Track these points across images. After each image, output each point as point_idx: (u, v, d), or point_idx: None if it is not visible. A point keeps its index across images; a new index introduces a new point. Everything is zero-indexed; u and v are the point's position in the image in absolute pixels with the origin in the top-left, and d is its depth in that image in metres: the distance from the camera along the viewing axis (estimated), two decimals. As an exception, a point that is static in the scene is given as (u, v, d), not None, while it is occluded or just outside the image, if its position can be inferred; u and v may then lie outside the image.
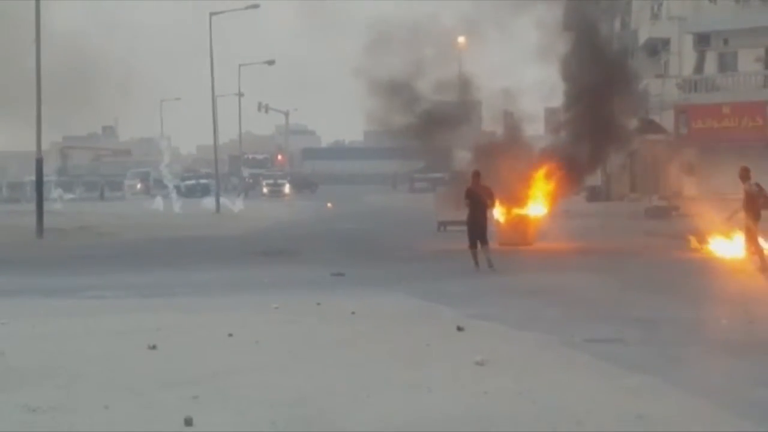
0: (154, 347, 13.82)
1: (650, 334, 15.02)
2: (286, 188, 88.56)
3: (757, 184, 24.35)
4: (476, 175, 25.74)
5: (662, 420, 10.14)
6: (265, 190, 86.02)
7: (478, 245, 24.99)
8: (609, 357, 13.14)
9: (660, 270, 24.60)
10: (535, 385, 11.48)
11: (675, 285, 21.62)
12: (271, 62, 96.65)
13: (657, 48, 59.60)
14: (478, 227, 25.08)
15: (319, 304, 18.33)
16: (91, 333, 15.38)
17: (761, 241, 24.03)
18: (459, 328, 15.25)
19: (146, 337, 14.40)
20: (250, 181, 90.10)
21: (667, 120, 54.43)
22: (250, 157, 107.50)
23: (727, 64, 53.88)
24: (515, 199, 33.30)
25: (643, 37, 59.36)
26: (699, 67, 54.29)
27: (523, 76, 36.21)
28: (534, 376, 12.02)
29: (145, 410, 10.49)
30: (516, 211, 33.11)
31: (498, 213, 33.52)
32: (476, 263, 24.81)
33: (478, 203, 25.12)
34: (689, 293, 19.91)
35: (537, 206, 33.73)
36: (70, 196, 70.95)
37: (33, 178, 43.84)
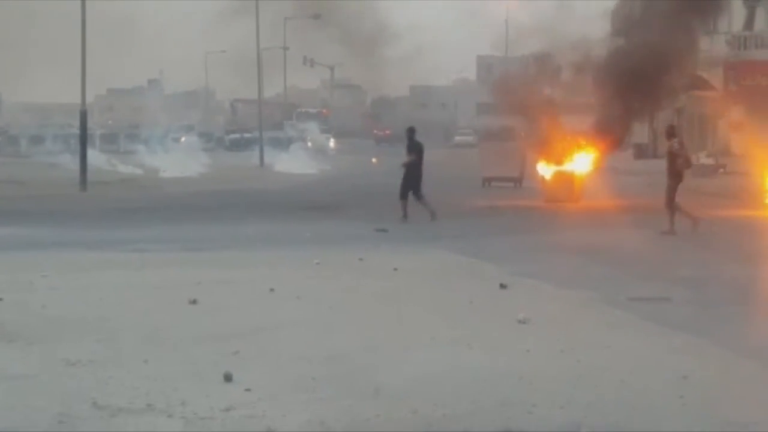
0: (194, 302, 13.78)
1: (697, 293, 14.84)
2: (331, 143, 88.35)
3: (680, 143, 24.41)
4: (411, 131, 27.16)
5: (707, 380, 10.00)
6: (309, 144, 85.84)
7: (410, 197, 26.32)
8: (654, 316, 12.99)
9: (707, 228, 24.29)
10: (578, 344, 11.34)
11: (723, 244, 21.38)
12: (317, 16, 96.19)
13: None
14: (413, 180, 26.34)
15: (361, 259, 18.24)
16: (131, 287, 15.36)
17: (677, 201, 23.72)
18: (502, 286, 15.11)
19: (187, 292, 14.35)
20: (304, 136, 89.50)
21: (715, 77, 53.76)
22: (303, 110, 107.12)
23: (778, 20, 53.14)
24: (560, 155, 33.06)
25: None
26: (749, 24, 53.56)
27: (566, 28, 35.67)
28: (577, 335, 11.88)
29: (185, 365, 10.44)
30: (561, 167, 32.85)
31: (543, 169, 33.35)
32: (405, 215, 26.06)
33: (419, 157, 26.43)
34: (737, 252, 19.68)
35: (582, 163, 33.43)
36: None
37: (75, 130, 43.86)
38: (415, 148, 26.74)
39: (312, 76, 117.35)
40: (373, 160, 64.43)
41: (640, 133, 63.93)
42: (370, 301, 14.17)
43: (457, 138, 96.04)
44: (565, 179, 32.67)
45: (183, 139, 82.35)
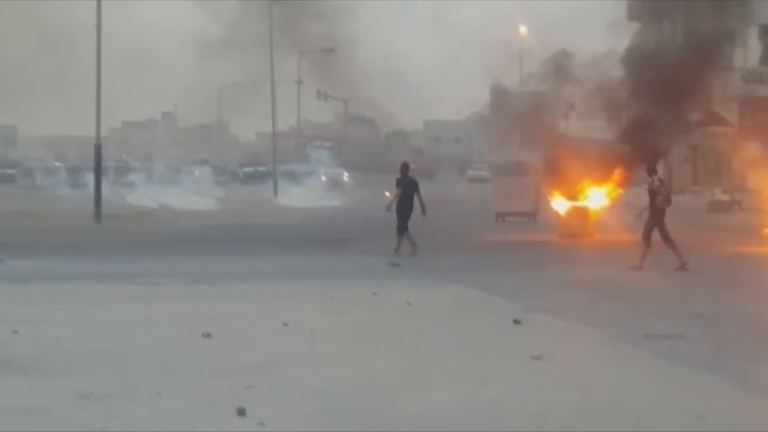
0: (208, 335, 13.76)
1: (711, 330, 14.78)
2: (345, 176, 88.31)
3: (660, 179, 24.41)
4: (405, 166, 27.86)
5: (722, 419, 9.95)
6: (323, 177, 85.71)
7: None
8: (668, 353, 12.93)
9: (721, 265, 24.26)
10: (592, 381, 11.31)
11: (737, 280, 21.31)
12: (330, 50, 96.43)
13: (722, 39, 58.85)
14: (404, 215, 26.72)
15: (375, 294, 18.22)
16: (145, 319, 15.37)
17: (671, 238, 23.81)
18: (516, 321, 15.08)
19: (201, 325, 14.34)
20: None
21: (731, 112, 53.72)
22: (318, 144, 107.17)
23: (793, 56, 53.16)
24: (574, 190, 33.05)
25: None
26: (764, 59, 53.58)
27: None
28: (591, 372, 11.84)
29: (198, 399, 10.43)
30: (575, 202, 32.83)
31: (557, 204, 33.33)
32: (412, 246, 26.32)
33: (407, 190, 26.93)
34: (751, 288, 19.62)
35: (597, 198, 33.41)
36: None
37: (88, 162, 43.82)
38: (404, 184, 27.25)
39: (325, 109, 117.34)
40: (387, 193, 64.46)
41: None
42: (383, 336, 14.14)
43: (471, 172, 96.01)
44: (579, 214, 32.64)
45: (197, 172, 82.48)
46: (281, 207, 53.67)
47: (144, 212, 46.32)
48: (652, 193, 24.05)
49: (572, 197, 33.04)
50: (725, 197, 46.96)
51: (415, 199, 27.02)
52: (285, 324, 14.79)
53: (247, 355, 12.73)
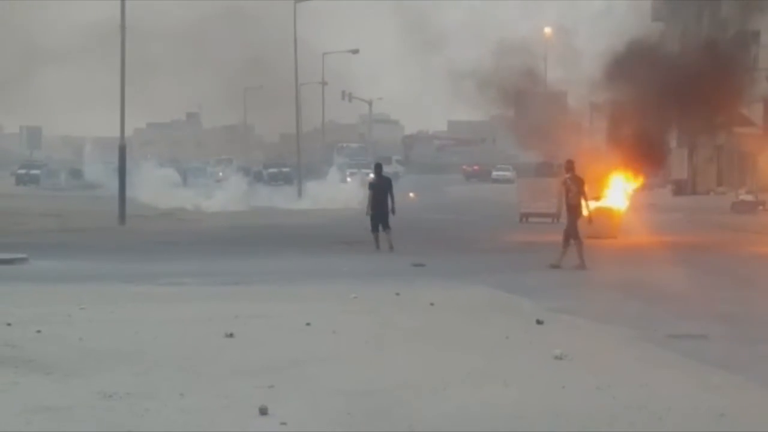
0: (231, 335, 13.79)
1: (735, 330, 14.72)
2: (370, 177, 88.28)
3: (572, 178, 24.38)
4: (379, 167, 29.36)
5: (745, 419, 9.91)
6: (348, 178, 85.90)
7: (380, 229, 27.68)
8: (692, 353, 12.89)
9: (745, 265, 24.18)
10: (615, 381, 11.27)
11: (760, 280, 21.23)
12: (355, 51, 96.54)
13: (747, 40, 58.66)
14: (381, 213, 27.66)
15: (398, 294, 18.22)
16: (168, 320, 15.41)
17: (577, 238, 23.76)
18: (539, 322, 15.05)
19: (223, 325, 14.37)
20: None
21: (756, 113, 53.51)
22: (345, 146, 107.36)
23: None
24: (600, 191, 32.99)
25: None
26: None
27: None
28: (614, 372, 11.81)
29: (221, 398, 10.45)
30: (600, 203, 32.75)
31: (583, 205, 33.26)
32: (377, 246, 27.48)
33: (381, 192, 27.80)
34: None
35: (621, 198, 33.35)
36: None
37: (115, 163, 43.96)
38: (377, 184, 28.33)
39: (350, 110, 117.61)
40: (411, 195, 64.46)
41: (680, 169, 63.76)
42: (406, 337, 14.14)
43: (495, 173, 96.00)
44: (603, 215, 32.55)
45: (221, 173, 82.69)
46: (305, 207, 53.74)
47: (169, 213, 46.45)
48: (565, 191, 24.27)
49: (596, 198, 32.97)
50: (749, 198, 46.78)
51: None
52: (308, 324, 14.81)
53: (270, 355, 12.75)
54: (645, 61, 34.45)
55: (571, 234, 23.76)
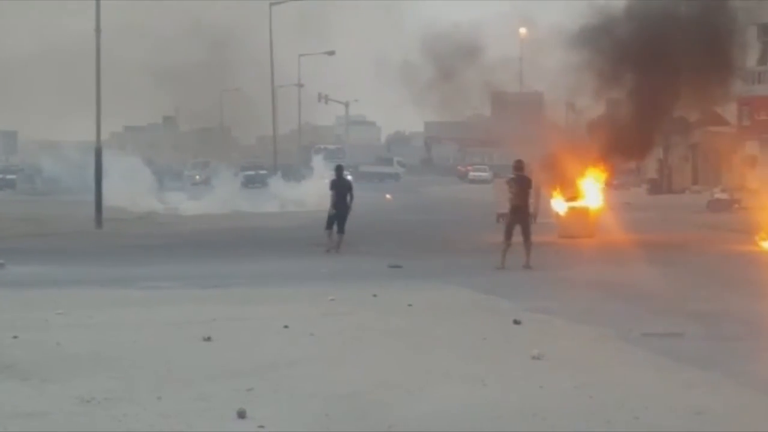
0: (208, 339, 13.82)
1: (710, 328, 14.82)
2: (349, 178, 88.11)
3: (511, 180, 24.61)
4: (340, 168, 29.84)
5: (721, 416, 9.99)
6: (326, 180, 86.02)
7: (335, 228, 28.13)
8: (667, 351, 12.98)
9: (720, 263, 24.30)
10: (592, 380, 11.35)
11: (735, 278, 21.34)
12: (331, 53, 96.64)
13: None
14: (339, 214, 28.11)
15: (375, 296, 18.25)
16: (146, 324, 15.41)
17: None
18: (516, 322, 15.13)
19: (201, 329, 14.40)
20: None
21: (729, 112, 53.82)
22: (323, 147, 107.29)
23: (791, 55, 53.18)
24: (575, 190, 33.11)
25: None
26: (763, 59, 53.60)
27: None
28: (590, 371, 11.88)
29: (199, 402, 10.47)
30: (575, 203, 32.87)
31: (557, 204, 33.36)
32: (330, 248, 27.72)
33: (342, 193, 28.30)
34: (749, 287, 19.64)
35: (596, 197, 33.44)
36: None
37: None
38: (338, 185, 28.82)
39: (327, 112, 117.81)
40: (388, 196, 64.51)
41: (654, 168, 64.01)
42: (384, 338, 14.18)
43: (472, 174, 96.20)
44: (579, 214, 32.67)
45: (198, 176, 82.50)
46: (282, 210, 53.66)
47: (146, 216, 46.33)
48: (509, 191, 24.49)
49: (572, 197, 33.08)
50: (724, 196, 46.98)
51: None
52: (285, 327, 14.84)
53: (248, 358, 12.77)
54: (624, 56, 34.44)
55: (505, 233, 23.85)
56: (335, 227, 28.19)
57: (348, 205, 28.44)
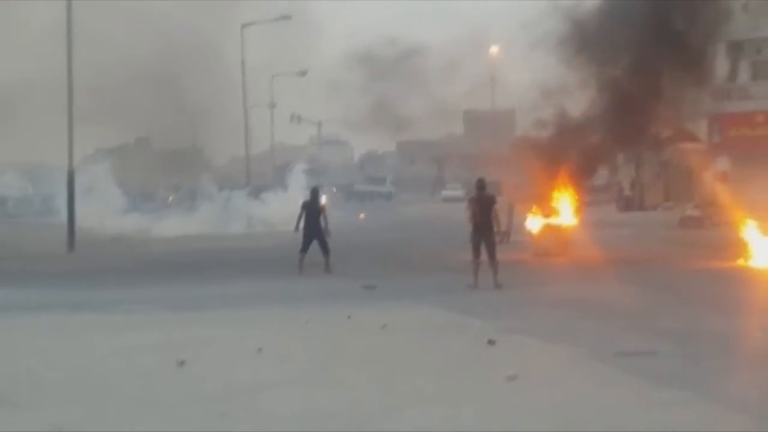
0: (182, 363, 13.76)
1: (683, 346, 14.85)
2: (324, 198, 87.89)
3: (473, 198, 24.52)
4: (315, 191, 29.85)
5: (695, 436, 10.00)
6: (300, 200, 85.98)
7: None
8: (641, 371, 12.99)
9: (693, 281, 24.38)
10: (566, 400, 11.35)
11: (709, 296, 21.41)
12: (303, 73, 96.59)
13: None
14: (312, 235, 28.29)
15: (349, 317, 18.24)
16: (119, 348, 15.34)
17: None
18: (490, 342, 15.13)
19: (175, 352, 14.34)
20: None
21: (700, 128, 54.08)
22: (306, 167, 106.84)
23: (760, 72, 53.48)
24: (548, 207, 33.19)
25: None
26: (732, 76, 53.94)
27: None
28: (565, 391, 11.88)
29: (173, 427, 10.43)
30: (548, 220, 32.94)
31: (531, 222, 33.43)
32: (300, 268, 27.84)
33: (314, 214, 28.43)
34: (722, 304, 19.70)
35: (569, 215, 33.53)
36: None
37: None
38: (310, 206, 28.79)
39: (300, 132, 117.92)
40: (361, 215, 64.54)
41: (631, 184, 64.20)
42: (358, 360, 14.16)
43: (445, 192, 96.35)
44: (552, 233, 32.74)
45: (171, 197, 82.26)
46: (254, 230, 53.59)
47: (119, 239, 46.19)
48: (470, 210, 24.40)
49: (545, 215, 33.15)
50: (696, 213, 47.18)
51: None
52: (259, 349, 14.81)
53: (222, 381, 12.73)
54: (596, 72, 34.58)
55: (472, 252, 23.88)
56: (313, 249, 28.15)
57: (325, 229, 28.45)
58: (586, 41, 34.19)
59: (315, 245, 28.29)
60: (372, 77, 48.42)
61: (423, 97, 36.73)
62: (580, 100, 34.87)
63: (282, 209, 58.17)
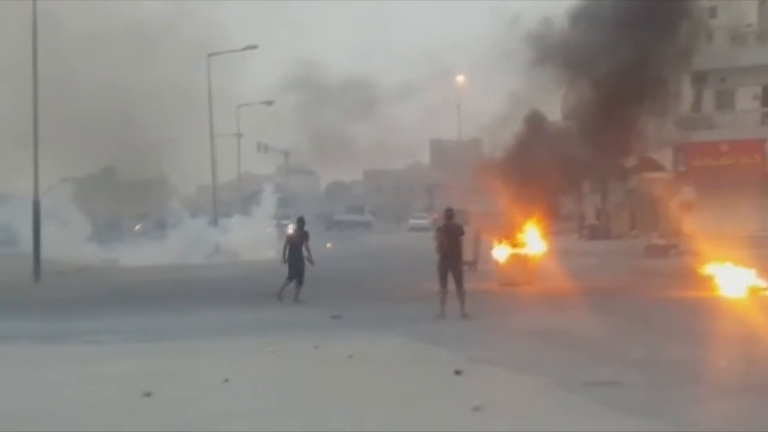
0: (148, 394, 13.70)
1: (649, 376, 14.90)
2: (290, 229, 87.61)
3: (441, 228, 24.58)
4: (301, 221, 29.55)
5: (661, 465, 10.04)
6: (268, 229, 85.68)
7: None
8: (607, 400, 13.03)
9: (658, 310, 24.49)
10: (533, 430, 11.38)
11: (674, 325, 21.52)
12: (269, 102, 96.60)
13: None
14: (297, 265, 28.53)
15: (316, 347, 18.23)
16: (84, 380, 15.27)
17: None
18: (457, 372, 15.14)
19: (141, 384, 14.28)
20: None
21: (665, 158, 54.40)
22: (278, 195, 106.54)
23: (724, 101, 53.91)
24: (513, 237, 33.29)
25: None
26: (697, 105, 54.34)
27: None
28: (532, 421, 11.92)
29: (139, 459, 10.39)
30: (515, 250, 33.02)
31: (497, 252, 33.49)
32: (280, 296, 28.04)
33: (297, 244, 28.77)
34: (687, 333, 19.79)
35: (535, 245, 33.63)
36: None
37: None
38: (293, 237, 29.37)
39: (266, 161, 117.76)
40: (328, 245, 64.46)
41: (592, 214, 64.49)
42: (325, 390, 14.15)
43: (412, 221, 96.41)
44: (518, 262, 32.81)
45: (137, 227, 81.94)
46: (223, 260, 53.51)
47: (85, 269, 45.98)
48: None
49: (512, 244, 33.23)
50: (661, 241, 47.44)
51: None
52: (226, 380, 14.77)
53: (188, 413, 12.69)
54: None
55: (439, 281, 23.94)
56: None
57: (308, 258, 28.72)
58: (552, 68, 34.44)
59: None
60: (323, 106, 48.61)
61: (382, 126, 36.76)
62: (546, 123, 35.10)
63: (248, 238, 58.19)
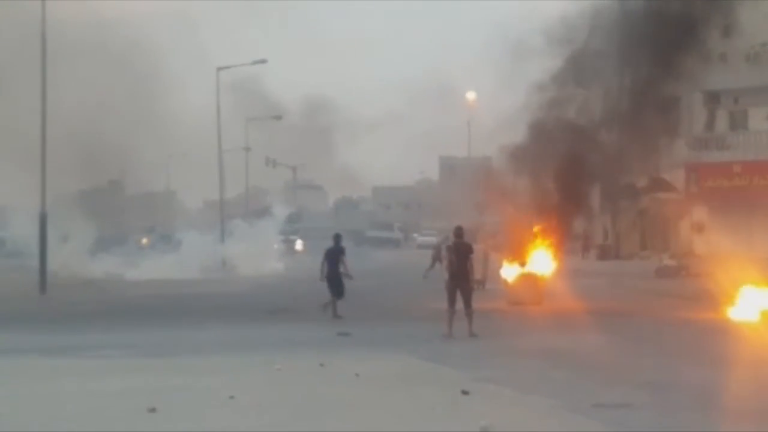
0: (153, 410, 13.56)
1: (659, 398, 14.74)
2: (299, 244, 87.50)
3: (450, 246, 24.55)
4: (338, 236, 29.86)
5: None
6: (276, 245, 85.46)
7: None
8: (617, 422, 12.88)
9: (669, 331, 24.31)
10: (542, 453, 11.20)
11: (684, 347, 21.33)
12: (278, 117, 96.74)
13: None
14: (335, 280, 28.75)
15: (322, 365, 18.05)
16: (90, 394, 15.13)
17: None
18: (464, 392, 14.97)
19: (146, 399, 14.13)
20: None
21: (677, 178, 54.24)
22: (289, 211, 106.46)
23: (737, 122, 53.71)
24: (522, 256, 33.10)
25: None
26: (709, 126, 54.18)
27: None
28: (541, 444, 11.74)
29: (141, 477, 10.23)
30: (524, 269, 32.83)
31: (507, 271, 33.31)
32: (325, 310, 28.30)
33: (333, 260, 28.99)
34: (698, 355, 19.62)
35: (545, 264, 33.43)
36: None
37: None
38: (331, 252, 29.43)
39: (274, 176, 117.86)
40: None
41: (604, 234, 64.31)
42: (331, 409, 13.98)
43: (420, 239, 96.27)
44: (528, 281, 32.62)
45: (144, 240, 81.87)
46: (230, 275, 53.39)
47: (91, 282, 45.89)
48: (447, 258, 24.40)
49: (521, 263, 33.04)
50: (672, 262, 47.21)
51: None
52: (231, 397, 14.62)
53: (193, 429, 12.53)
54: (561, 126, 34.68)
55: (447, 300, 23.77)
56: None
57: (345, 273, 29.01)
58: (563, 88, 34.37)
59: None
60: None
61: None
62: (558, 145, 34.95)
63: (255, 253, 58.05)
